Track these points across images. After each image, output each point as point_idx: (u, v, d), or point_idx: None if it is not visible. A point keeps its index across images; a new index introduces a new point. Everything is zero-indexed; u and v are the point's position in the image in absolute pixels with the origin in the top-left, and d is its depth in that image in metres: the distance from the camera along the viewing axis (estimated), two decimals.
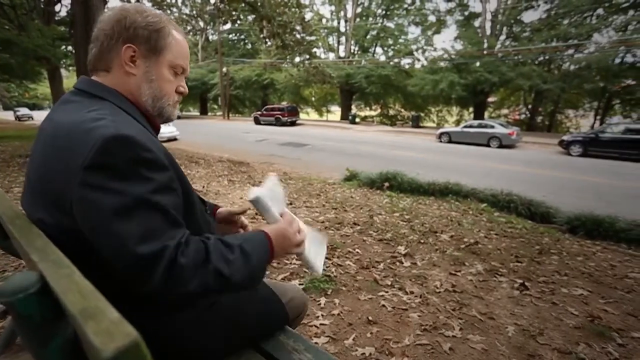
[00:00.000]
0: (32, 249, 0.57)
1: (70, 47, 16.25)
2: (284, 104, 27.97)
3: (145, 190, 0.64)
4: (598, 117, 23.65)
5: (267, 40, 11.92)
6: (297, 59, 13.97)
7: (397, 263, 2.88)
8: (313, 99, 36.66)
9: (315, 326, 1.95)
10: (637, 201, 6.57)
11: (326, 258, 2.86)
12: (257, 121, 25.58)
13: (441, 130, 17.81)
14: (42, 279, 0.49)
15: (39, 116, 32.88)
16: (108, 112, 0.72)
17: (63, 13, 16.07)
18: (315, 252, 0.96)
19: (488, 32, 25.01)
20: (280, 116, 23.98)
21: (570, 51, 22.14)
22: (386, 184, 6.14)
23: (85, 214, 0.63)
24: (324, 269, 2.66)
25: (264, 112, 25.26)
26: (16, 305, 0.47)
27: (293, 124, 24.57)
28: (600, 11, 21.62)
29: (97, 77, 0.81)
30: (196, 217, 0.84)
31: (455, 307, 2.24)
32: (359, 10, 30.53)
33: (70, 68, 18.77)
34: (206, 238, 0.73)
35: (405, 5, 29.38)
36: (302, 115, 30.47)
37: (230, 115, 33.06)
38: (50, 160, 0.69)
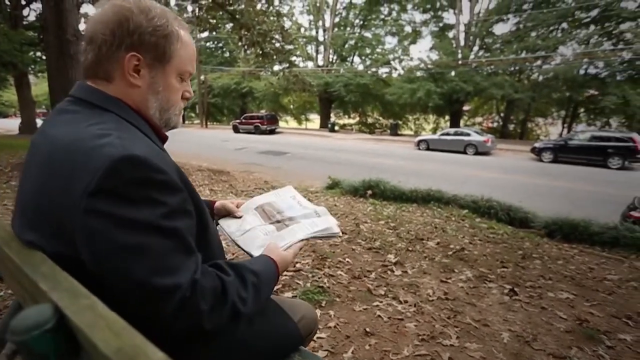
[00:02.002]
0: (39, 276, 0.51)
1: (39, 53, 15.65)
2: (263, 112, 27.83)
3: (158, 216, 0.59)
4: (566, 125, 24.84)
5: (246, 48, 11.87)
6: (277, 67, 13.98)
7: (389, 272, 2.87)
8: (292, 107, 36.66)
9: (313, 340, 1.90)
10: (604, 204, 6.91)
11: (317, 269, 2.82)
12: (236, 129, 25.30)
13: (419, 138, 18.21)
14: (58, 312, 0.44)
15: (4, 124, 31.27)
16: (113, 126, 0.65)
17: (32, 18, 15.43)
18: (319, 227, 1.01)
19: (462, 43, 25.88)
20: (259, 124, 23.82)
21: (539, 62, 23.25)
22: (369, 192, 6.16)
23: (91, 244, 0.56)
24: (316, 279, 2.62)
25: (243, 121, 25.03)
26: (30, 344, 0.41)
27: (272, 132, 24.45)
28: (564, 25, 22.91)
29: (95, 85, 0.73)
30: (209, 238, 0.79)
31: (449, 315, 2.24)
32: (337, 20, 30.97)
33: (40, 74, 18.03)
34: (222, 272, 0.70)
35: (382, 16, 30.08)
36: (281, 124, 30.41)
37: (208, 123, 32.55)
38: (47, 182, 0.62)
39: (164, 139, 0.82)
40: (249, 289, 0.71)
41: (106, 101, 0.71)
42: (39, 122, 19.06)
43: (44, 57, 13.95)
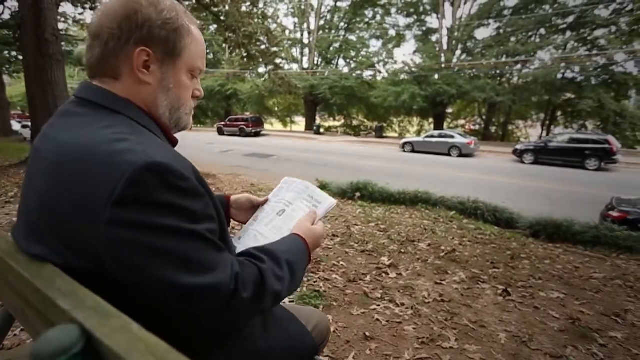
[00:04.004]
0: (55, 292, 0.47)
1: (14, 53, 15.11)
2: (248, 114, 27.63)
3: (186, 221, 0.57)
4: (545, 128, 25.62)
5: (231, 50, 11.78)
6: (262, 70, 13.94)
7: (383, 274, 2.87)
8: (277, 109, 36.53)
9: None
10: (582, 204, 7.15)
11: (312, 273, 2.80)
12: (220, 132, 25.04)
13: (404, 140, 18.43)
14: (85, 333, 0.40)
15: None
16: (127, 130, 0.61)
17: (6, 16, 14.86)
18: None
19: (445, 46, 26.37)
20: (244, 127, 23.64)
21: (519, 66, 23.95)
22: (357, 194, 6.16)
23: (121, 255, 0.53)
24: (312, 284, 2.59)
25: (228, 123, 24.81)
26: None
27: (257, 134, 24.32)
28: (542, 31, 23.68)
29: (101, 84, 0.68)
30: (227, 241, 0.76)
31: (446, 317, 2.25)
32: (321, 22, 31.09)
33: (15, 75, 17.42)
34: (257, 260, 0.69)
35: (367, 20, 30.38)
36: (266, 126, 30.26)
37: (193, 126, 32.04)
38: (55, 191, 0.57)
39: (174, 142, 0.77)
40: (283, 267, 0.72)
41: (115, 102, 0.66)
42: (14, 124, 18.42)
43: (19, 57, 13.48)
